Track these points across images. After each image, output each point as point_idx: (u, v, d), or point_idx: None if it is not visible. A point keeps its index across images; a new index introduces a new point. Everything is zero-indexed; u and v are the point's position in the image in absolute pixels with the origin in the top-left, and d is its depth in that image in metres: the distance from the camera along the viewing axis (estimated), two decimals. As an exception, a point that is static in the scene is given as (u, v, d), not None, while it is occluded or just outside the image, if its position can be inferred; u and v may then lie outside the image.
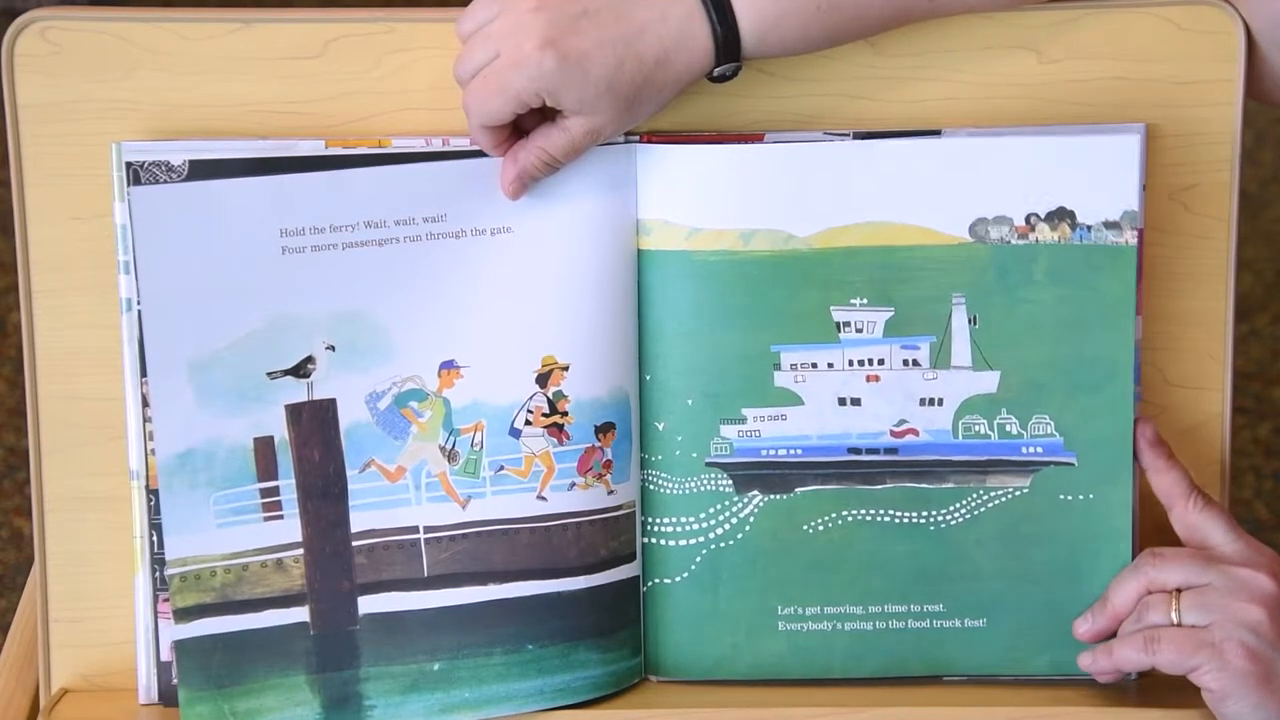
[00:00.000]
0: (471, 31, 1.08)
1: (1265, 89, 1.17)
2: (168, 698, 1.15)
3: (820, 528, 1.16)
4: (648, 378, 1.16)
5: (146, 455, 1.14)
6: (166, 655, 1.15)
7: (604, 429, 1.15)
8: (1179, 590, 1.10)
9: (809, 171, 1.14)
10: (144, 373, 1.12)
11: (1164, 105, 1.16)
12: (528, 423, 1.14)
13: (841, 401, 1.16)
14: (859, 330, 1.15)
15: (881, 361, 1.15)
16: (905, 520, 1.17)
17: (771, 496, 1.16)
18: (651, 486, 1.17)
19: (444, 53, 1.12)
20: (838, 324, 1.15)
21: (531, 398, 1.14)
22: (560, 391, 1.14)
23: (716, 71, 1.09)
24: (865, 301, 1.14)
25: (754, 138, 1.15)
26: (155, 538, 1.14)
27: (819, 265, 1.14)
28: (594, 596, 1.15)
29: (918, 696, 1.16)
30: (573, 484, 1.15)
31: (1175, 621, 1.09)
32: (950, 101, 1.16)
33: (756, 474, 1.16)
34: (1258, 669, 1.07)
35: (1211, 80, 1.15)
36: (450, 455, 1.14)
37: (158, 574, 1.15)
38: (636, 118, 1.09)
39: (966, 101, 1.16)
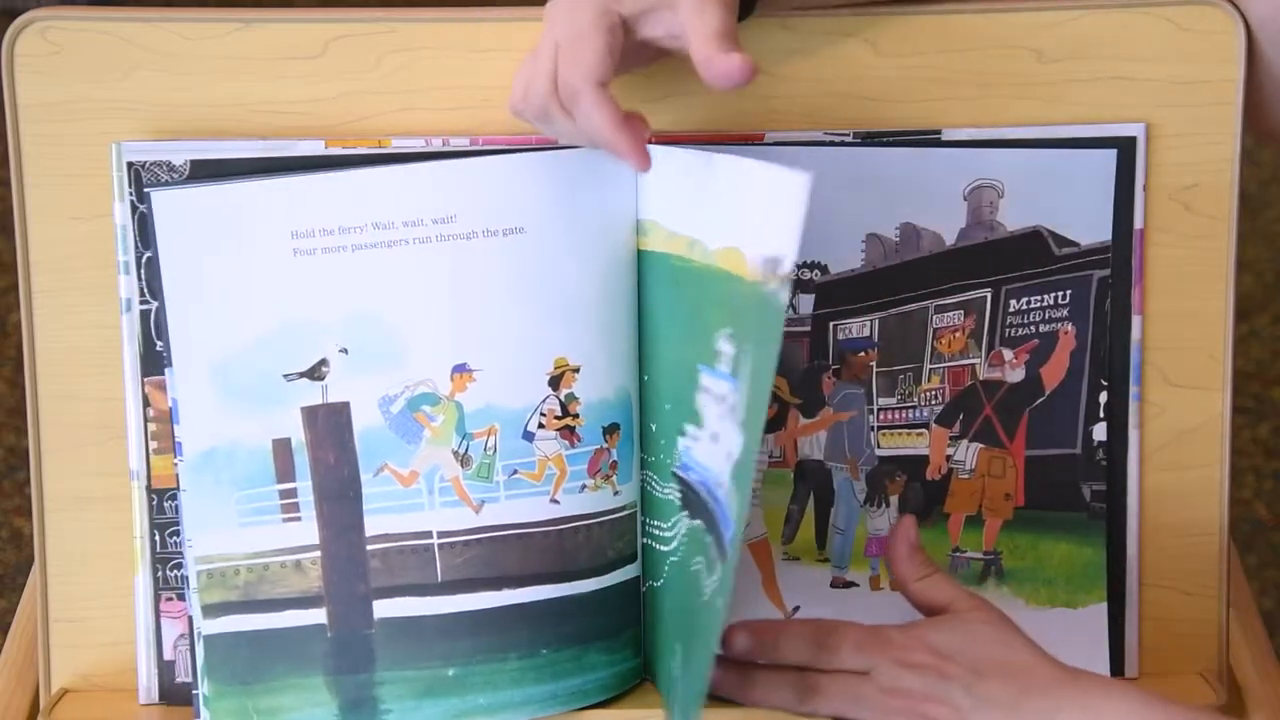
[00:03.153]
0: (522, 95, 1.06)
1: (1264, 95, 1.17)
2: (168, 698, 1.16)
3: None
4: (645, 378, 1.16)
5: (146, 455, 1.14)
6: (167, 655, 1.15)
7: (610, 430, 1.15)
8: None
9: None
10: (144, 373, 1.13)
11: (1164, 105, 1.16)
12: (541, 425, 1.14)
13: None
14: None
15: None
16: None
17: (693, 522, 1.12)
18: (646, 487, 1.17)
19: (445, 53, 1.12)
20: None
21: (544, 400, 1.14)
22: (572, 394, 1.14)
23: None
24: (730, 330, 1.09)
25: (754, 138, 1.15)
26: (155, 538, 1.14)
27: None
28: (602, 599, 1.15)
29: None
30: (584, 486, 1.15)
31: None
32: (950, 101, 1.16)
33: (688, 494, 1.13)
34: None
35: (1211, 80, 1.15)
36: (463, 460, 1.14)
37: (158, 574, 1.15)
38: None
39: (966, 101, 1.16)
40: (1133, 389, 1.17)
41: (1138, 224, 1.16)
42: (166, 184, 1.12)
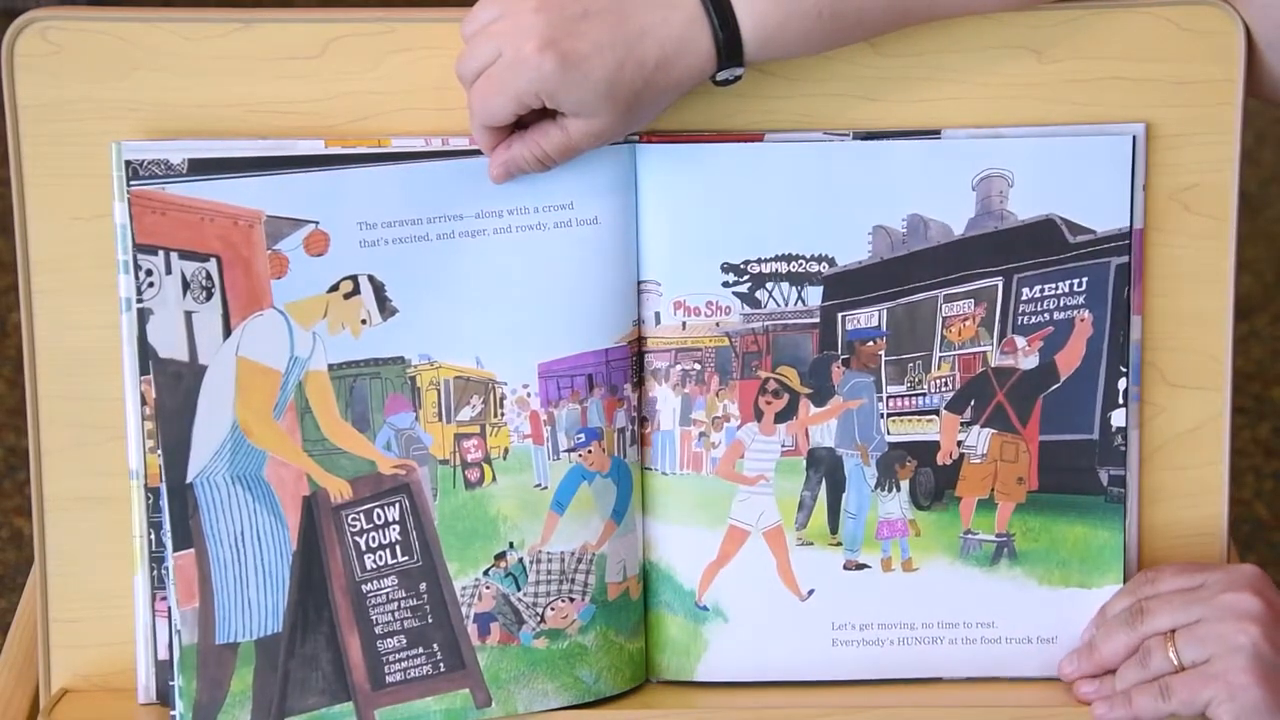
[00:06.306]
0: (475, 31, 1.08)
1: (1264, 90, 1.17)
2: (166, 697, 1.15)
3: None
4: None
5: (145, 455, 1.14)
6: (162, 655, 1.15)
7: None
8: (1173, 631, 1.10)
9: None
10: (143, 372, 1.12)
11: (1164, 105, 1.16)
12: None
13: None
14: None
15: None
16: None
17: None
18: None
19: (444, 53, 1.12)
20: None
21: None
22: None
23: (720, 75, 1.09)
24: None
25: (754, 137, 1.15)
26: (154, 537, 1.14)
27: None
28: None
29: (915, 696, 1.16)
30: None
31: (1175, 662, 1.09)
32: (950, 101, 1.16)
33: None
34: (1267, 687, 1.07)
35: (1211, 80, 1.15)
36: None
37: (156, 573, 1.15)
38: (636, 122, 1.09)
39: (966, 101, 1.16)
40: (1133, 389, 1.17)
41: (1137, 224, 1.16)
42: (150, 180, 1.11)
